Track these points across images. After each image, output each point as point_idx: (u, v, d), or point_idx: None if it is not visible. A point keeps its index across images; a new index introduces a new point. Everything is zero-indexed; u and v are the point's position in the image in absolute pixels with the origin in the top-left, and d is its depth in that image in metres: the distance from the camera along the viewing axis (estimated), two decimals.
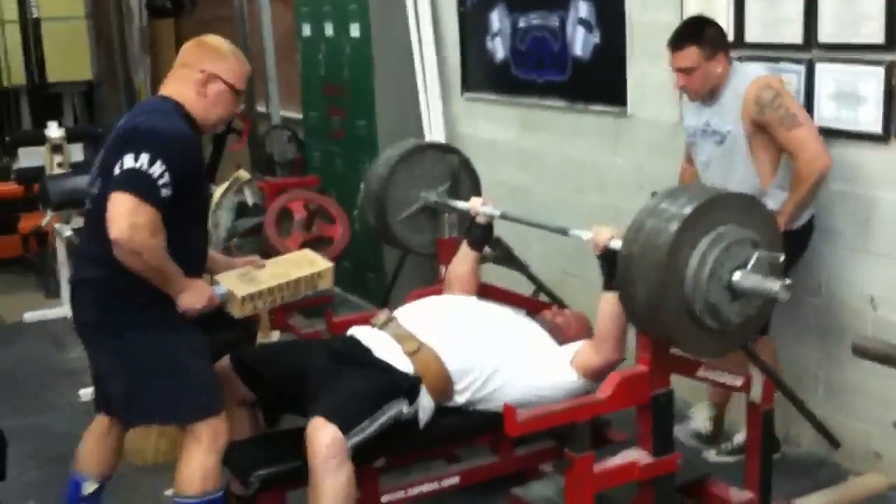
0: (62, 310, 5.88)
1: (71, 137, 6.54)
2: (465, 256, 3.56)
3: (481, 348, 3.08)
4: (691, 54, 3.45)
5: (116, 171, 2.70)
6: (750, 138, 3.44)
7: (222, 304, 3.01)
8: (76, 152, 6.92)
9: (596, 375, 3.01)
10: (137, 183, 2.67)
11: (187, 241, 2.90)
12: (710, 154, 3.57)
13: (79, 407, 4.53)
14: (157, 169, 2.69)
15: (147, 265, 2.72)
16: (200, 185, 2.98)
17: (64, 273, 5.82)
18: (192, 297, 2.86)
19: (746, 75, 3.48)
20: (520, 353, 3.09)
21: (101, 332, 2.89)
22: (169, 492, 3.21)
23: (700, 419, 3.83)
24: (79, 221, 5.57)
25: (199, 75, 2.92)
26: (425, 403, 2.98)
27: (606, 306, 2.97)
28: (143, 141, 2.72)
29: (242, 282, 3.12)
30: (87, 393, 4.55)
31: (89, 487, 3.15)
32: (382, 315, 3.22)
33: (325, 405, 2.80)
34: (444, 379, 3.01)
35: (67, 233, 5.52)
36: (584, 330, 3.29)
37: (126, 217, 2.65)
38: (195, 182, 2.88)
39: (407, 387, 2.93)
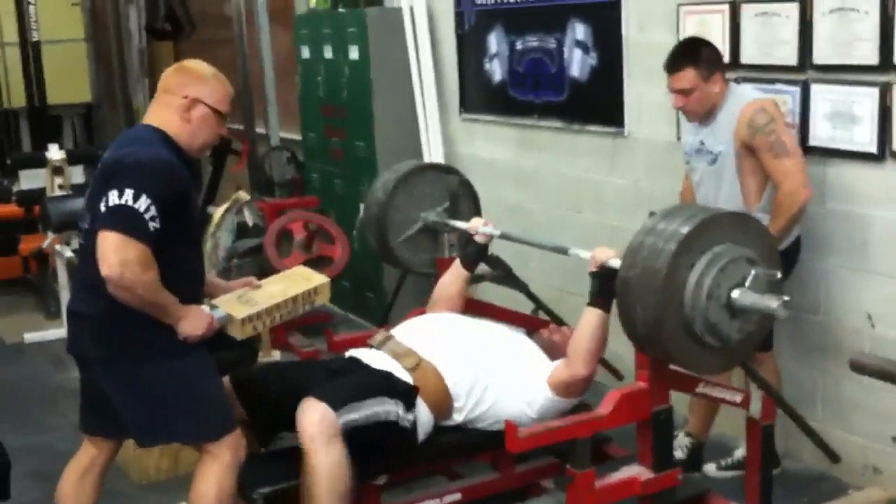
0: (62, 330, 5.84)
1: (71, 159, 6.57)
2: (455, 276, 3.56)
3: (478, 365, 3.08)
4: (688, 75, 3.48)
5: (102, 207, 2.68)
6: (739, 160, 3.47)
7: (222, 327, 3.02)
8: (77, 174, 6.95)
9: (566, 391, 3.01)
10: (123, 219, 2.66)
11: (182, 268, 2.91)
12: (703, 173, 3.60)
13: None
14: (143, 203, 2.67)
15: (142, 300, 2.72)
16: (191, 212, 2.96)
17: (64, 294, 5.83)
18: (192, 324, 2.87)
19: (742, 97, 3.51)
20: (512, 372, 3.09)
21: (107, 366, 2.88)
22: None
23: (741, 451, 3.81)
24: (78, 243, 5.60)
25: (181, 101, 2.90)
26: (424, 418, 2.99)
27: (585, 321, 2.98)
28: (127, 175, 2.70)
29: (240, 304, 3.14)
30: None
31: None
32: (380, 335, 3.24)
33: (320, 388, 2.85)
34: (444, 394, 3.02)
35: (68, 254, 5.55)
36: None
37: (115, 255, 2.64)
38: (185, 209, 2.86)
39: (402, 390, 2.94)
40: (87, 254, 2.81)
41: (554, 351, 3.27)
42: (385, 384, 2.95)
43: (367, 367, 3.09)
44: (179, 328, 2.84)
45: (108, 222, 2.67)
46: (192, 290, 2.97)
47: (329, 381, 2.97)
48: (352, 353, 3.23)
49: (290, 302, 3.22)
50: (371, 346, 3.20)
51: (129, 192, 2.67)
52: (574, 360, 2.99)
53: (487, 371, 3.07)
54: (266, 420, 3.11)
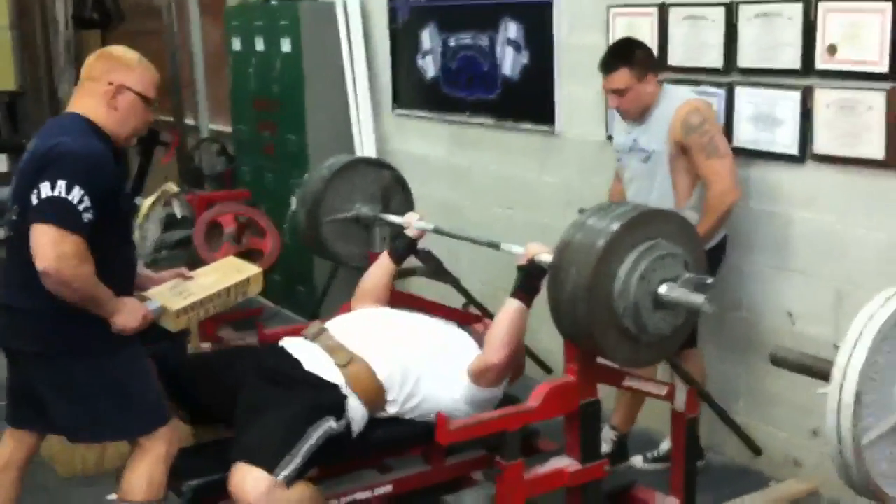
0: None
1: None
2: (383, 268, 3.57)
3: (409, 359, 3.09)
4: (623, 76, 3.54)
5: (34, 200, 2.63)
6: (672, 159, 3.54)
7: (156, 319, 3.00)
8: (1, 164, 6.80)
9: (480, 379, 3.03)
10: (57, 212, 2.62)
11: (115, 260, 2.87)
12: (635, 171, 3.67)
13: (2, 423, 4.43)
14: (76, 194, 2.64)
15: (78, 293, 2.68)
16: (122, 203, 2.91)
17: None
18: (126, 317, 2.83)
19: (677, 97, 3.58)
20: (442, 364, 3.11)
21: (41, 362, 2.84)
22: (112, 496, 3.17)
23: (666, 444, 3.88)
24: (2, 233, 5.49)
25: (107, 87, 2.85)
26: (357, 414, 2.98)
27: (504, 312, 3.01)
28: (58, 166, 2.66)
29: (174, 295, 3.12)
30: None
31: None
32: (314, 326, 3.23)
33: (245, 447, 2.76)
34: (377, 389, 3.03)
35: None
36: None
37: (51, 248, 2.60)
38: (116, 200, 2.82)
39: (329, 405, 2.92)
40: (16, 246, 2.76)
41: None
42: (312, 406, 2.88)
43: (297, 365, 3.04)
44: (114, 321, 2.81)
45: (42, 216, 2.62)
46: (125, 282, 2.94)
47: (255, 414, 2.86)
48: (285, 342, 3.21)
49: (223, 293, 3.22)
50: (305, 337, 3.20)
51: (61, 184, 2.62)
52: (487, 348, 3.02)
53: (418, 364, 3.08)
54: (197, 416, 3.10)
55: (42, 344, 2.81)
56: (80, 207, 2.64)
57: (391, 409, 3.08)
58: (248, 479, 2.68)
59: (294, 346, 3.16)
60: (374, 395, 3.02)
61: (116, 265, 2.88)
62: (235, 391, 2.97)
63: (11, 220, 2.82)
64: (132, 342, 2.88)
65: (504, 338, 3.00)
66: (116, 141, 2.91)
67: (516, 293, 3.02)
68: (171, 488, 2.94)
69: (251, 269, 3.35)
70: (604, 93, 3.72)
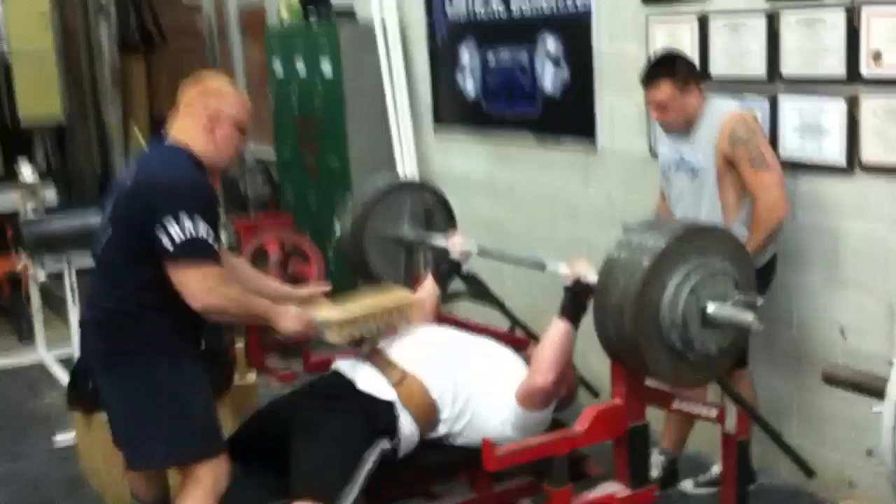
0: (36, 355, 5.84)
1: (43, 178, 6.50)
2: (428, 292, 3.55)
3: (462, 377, 3.07)
4: (665, 88, 3.47)
5: (167, 244, 2.73)
6: (720, 174, 3.46)
7: (320, 330, 3.12)
8: (49, 193, 6.87)
9: (526, 401, 2.97)
10: (193, 251, 2.76)
11: None
12: (683, 187, 3.59)
13: (54, 453, 4.51)
14: (202, 227, 2.77)
15: (238, 316, 2.93)
16: (218, 231, 3.02)
17: (38, 318, 5.78)
18: (291, 321, 3.02)
19: (722, 109, 3.50)
20: (491, 387, 3.07)
21: (102, 367, 2.93)
22: None
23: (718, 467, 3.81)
24: (52, 266, 5.55)
25: (203, 118, 2.93)
26: (407, 431, 2.97)
27: (551, 332, 2.96)
28: (177, 202, 2.76)
29: (334, 310, 3.20)
30: (63, 439, 4.54)
31: None
32: (367, 347, 3.21)
33: (305, 479, 2.77)
34: (430, 406, 3.01)
35: (42, 277, 5.49)
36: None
37: (199, 288, 2.78)
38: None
39: (382, 425, 2.93)
40: (103, 264, 2.94)
41: None
42: (368, 428, 2.89)
43: (350, 385, 3.04)
44: (280, 327, 3.00)
45: (181, 258, 2.76)
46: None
47: (311, 441, 2.86)
48: (337, 364, 3.21)
49: (385, 313, 3.24)
50: (358, 357, 3.18)
51: (186, 222, 2.74)
52: (534, 370, 2.98)
53: (469, 383, 3.06)
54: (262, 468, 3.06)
55: (101, 349, 2.92)
56: (210, 239, 2.80)
57: (442, 429, 3.05)
58: None
59: (347, 366, 3.16)
60: (427, 411, 3.01)
61: None
62: (289, 434, 2.93)
63: (102, 241, 2.93)
64: (193, 362, 2.93)
65: (551, 359, 2.95)
66: (212, 170, 3.00)
67: (563, 313, 2.98)
68: None
69: (412, 296, 3.37)
70: (646, 106, 3.66)
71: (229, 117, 2.96)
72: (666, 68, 3.51)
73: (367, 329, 3.19)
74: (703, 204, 3.51)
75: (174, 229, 2.74)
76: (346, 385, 3.07)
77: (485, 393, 3.06)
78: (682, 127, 3.54)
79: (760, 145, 3.40)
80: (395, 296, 3.35)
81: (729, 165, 3.44)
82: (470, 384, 3.06)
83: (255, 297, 2.97)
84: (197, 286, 2.78)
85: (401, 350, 3.17)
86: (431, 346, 3.21)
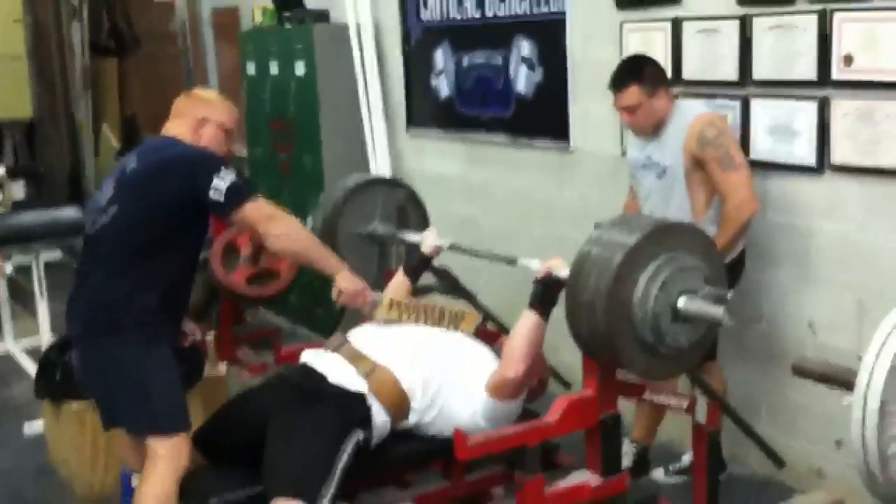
0: (3, 345, 5.80)
1: (12, 175, 6.46)
2: (399, 285, 3.56)
3: (431, 366, 3.08)
4: (633, 93, 3.53)
5: (216, 196, 2.92)
6: (687, 173, 3.52)
7: (371, 306, 3.27)
8: (17, 190, 6.84)
9: (496, 392, 2.99)
10: (241, 193, 2.96)
11: (181, 266, 3.12)
12: (650, 187, 3.65)
13: (24, 442, 4.48)
14: (233, 173, 2.97)
15: (303, 247, 3.13)
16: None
17: (5, 310, 5.74)
18: (349, 282, 3.21)
19: (690, 111, 3.56)
20: (463, 375, 3.08)
21: (81, 341, 3.07)
22: None
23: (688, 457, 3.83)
24: (19, 259, 5.52)
25: (192, 121, 3.16)
26: (379, 421, 2.98)
27: (520, 324, 2.99)
28: (209, 164, 2.98)
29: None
30: (31, 426, 4.51)
31: (136, 480, 3.18)
32: (336, 338, 3.22)
33: (283, 479, 2.77)
34: (400, 396, 3.02)
35: (8, 270, 5.45)
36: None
37: (263, 217, 2.99)
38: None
39: (356, 416, 2.93)
40: (95, 243, 3.07)
41: None
42: (342, 421, 2.90)
43: (322, 379, 3.04)
44: (338, 280, 3.20)
45: (236, 203, 2.95)
46: (181, 292, 3.15)
47: (286, 440, 2.85)
48: (307, 356, 3.21)
49: (436, 310, 3.31)
50: (327, 349, 3.18)
51: (225, 174, 2.94)
52: (504, 361, 2.99)
53: (440, 373, 3.07)
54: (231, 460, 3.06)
55: (82, 324, 3.05)
56: (242, 180, 3.00)
57: (412, 419, 3.06)
58: None
59: (316, 359, 3.16)
60: (398, 402, 3.02)
61: (180, 270, 3.12)
62: (259, 428, 2.94)
63: (103, 220, 3.04)
64: (164, 348, 3.01)
65: (521, 351, 2.97)
66: None
67: (533, 306, 3.00)
68: None
69: (470, 313, 3.41)
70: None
71: (216, 122, 3.19)
72: (634, 73, 3.55)
73: (416, 316, 3.28)
74: (671, 203, 3.56)
75: (219, 185, 2.92)
76: (318, 377, 3.07)
77: (455, 383, 3.06)
78: (651, 130, 3.59)
79: (729, 146, 3.45)
80: (456, 308, 3.41)
81: (697, 165, 3.49)
82: (440, 374, 3.07)
83: (316, 238, 3.24)
84: (256, 214, 2.98)
85: (370, 342, 3.17)
86: (400, 338, 3.21)
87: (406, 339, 3.21)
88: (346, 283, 3.23)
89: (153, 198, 3.00)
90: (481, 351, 3.25)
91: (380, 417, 2.99)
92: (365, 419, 2.95)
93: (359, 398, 2.98)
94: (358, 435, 2.90)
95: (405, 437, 3.09)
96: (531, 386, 3.17)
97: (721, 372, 3.67)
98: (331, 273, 3.23)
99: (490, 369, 3.11)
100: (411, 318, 3.28)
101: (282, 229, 3.04)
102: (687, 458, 3.72)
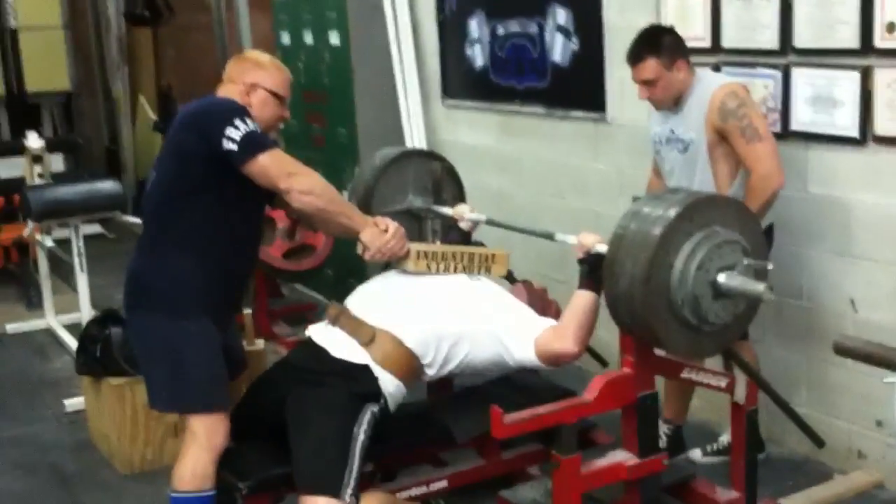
0: (44, 321, 5.86)
1: (51, 148, 6.50)
2: None
3: (440, 317, 3.06)
4: (650, 65, 3.44)
5: (232, 146, 2.80)
6: (711, 147, 3.43)
7: (397, 259, 3.15)
8: (56, 163, 6.88)
9: (550, 360, 2.97)
10: (256, 142, 2.83)
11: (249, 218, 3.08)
12: (674, 162, 3.57)
13: (63, 418, 4.54)
14: (253, 125, 2.85)
15: (323, 202, 2.95)
16: None
17: (46, 284, 5.80)
18: (373, 235, 3.07)
19: (711, 83, 3.47)
20: (486, 316, 3.06)
21: (128, 315, 3.05)
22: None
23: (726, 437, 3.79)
24: (60, 232, 5.56)
25: (241, 87, 3.03)
26: (391, 388, 2.97)
27: (577, 302, 2.97)
28: (225, 114, 2.85)
29: (415, 244, 3.23)
30: (71, 403, 4.56)
31: None
32: (334, 308, 3.17)
33: (304, 475, 2.79)
34: (407, 357, 3.00)
35: (49, 244, 5.51)
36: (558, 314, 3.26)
37: (278, 167, 2.84)
38: None
39: (365, 391, 2.92)
40: (147, 219, 3.03)
41: (536, 304, 3.25)
42: (351, 400, 2.89)
43: (324, 354, 3.02)
44: (363, 237, 3.06)
45: (249, 152, 2.82)
46: (229, 271, 3.05)
47: (302, 435, 2.87)
48: (310, 331, 3.18)
49: (465, 255, 3.26)
50: (327, 323, 3.14)
51: (240, 124, 2.82)
52: (567, 335, 2.94)
53: (455, 320, 3.05)
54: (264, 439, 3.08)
55: (128, 294, 3.01)
56: (260, 131, 2.89)
57: (430, 373, 3.05)
58: None
59: (319, 333, 3.14)
60: (406, 364, 3.00)
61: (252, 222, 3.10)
62: (278, 413, 2.95)
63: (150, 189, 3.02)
64: (207, 323, 2.95)
65: (581, 324, 2.94)
66: None
67: (585, 284, 2.98)
68: (228, 485, 2.95)
69: (499, 251, 3.37)
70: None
71: (267, 88, 3.05)
72: (651, 45, 3.46)
73: (445, 265, 3.22)
74: (695, 177, 3.49)
75: (232, 133, 2.81)
76: (321, 354, 3.04)
77: (475, 332, 3.03)
78: (671, 103, 3.52)
79: (752, 116, 3.36)
80: (482, 248, 3.38)
81: (720, 138, 3.41)
82: (453, 326, 3.04)
83: (342, 196, 3.13)
84: (275, 166, 2.84)
85: (368, 306, 3.13)
86: (400, 295, 3.17)
87: (406, 295, 3.17)
88: (368, 236, 3.08)
89: (177, 155, 2.94)
90: (497, 291, 3.21)
91: (391, 385, 2.97)
92: (374, 391, 2.94)
93: (364, 369, 2.96)
94: (371, 409, 2.89)
95: (439, 418, 3.09)
96: None
97: (753, 351, 3.60)
98: (356, 230, 3.08)
99: (513, 307, 3.10)
100: (440, 266, 3.21)
101: (305, 185, 2.90)
102: (725, 439, 3.69)
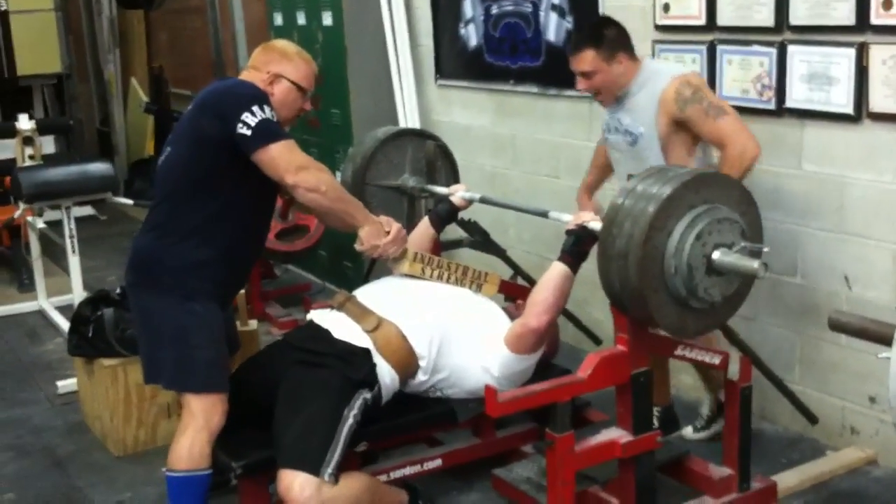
0: (36, 303, 5.84)
1: (42, 129, 6.45)
2: (422, 235, 3.51)
3: (439, 322, 3.06)
4: (588, 57, 3.38)
5: (245, 131, 2.79)
6: (665, 137, 3.37)
7: (393, 259, 3.19)
8: (48, 145, 6.83)
9: (517, 343, 2.98)
10: (270, 131, 2.82)
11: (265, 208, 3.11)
12: (623, 152, 3.51)
13: (56, 399, 4.52)
14: (270, 112, 2.84)
15: (328, 198, 2.93)
16: None
17: (38, 266, 5.77)
18: (372, 232, 3.09)
19: (663, 75, 3.39)
20: (473, 331, 3.07)
21: (132, 293, 3.03)
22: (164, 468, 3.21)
23: (704, 408, 3.79)
24: (52, 214, 5.53)
25: (265, 76, 3.02)
26: (386, 380, 2.97)
27: (549, 274, 2.96)
28: (243, 100, 2.84)
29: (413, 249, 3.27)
30: (64, 385, 4.55)
31: None
32: (341, 296, 3.18)
33: (287, 451, 2.77)
34: (408, 351, 3.00)
35: (40, 225, 5.48)
36: None
37: (287, 159, 2.83)
38: None
39: (361, 376, 2.92)
40: (159, 196, 2.99)
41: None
42: (346, 383, 2.89)
43: (327, 335, 3.03)
44: (362, 232, 3.07)
45: (261, 140, 2.81)
46: (237, 256, 3.04)
47: (291, 410, 2.86)
48: (313, 314, 3.20)
49: (460, 268, 3.28)
50: (332, 308, 3.16)
51: (257, 110, 2.80)
52: (529, 311, 2.97)
53: (447, 328, 3.05)
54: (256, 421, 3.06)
55: (134, 274, 3.00)
56: (276, 119, 2.88)
57: (422, 377, 3.05)
58: (294, 485, 2.70)
59: (322, 316, 3.14)
60: (404, 358, 3.01)
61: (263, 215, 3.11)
62: (272, 392, 2.95)
63: (161, 167, 3.01)
64: (213, 307, 2.95)
65: (548, 300, 2.95)
66: None
67: (563, 257, 2.96)
68: (221, 468, 2.94)
69: (494, 274, 3.37)
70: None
71: (291, 79, 3.03)
72: (591, 37, 3.40)
73: (439, 273, 3.24)
74: (646, 166, 3.42)
75: (248, 119, 2.80)
76: (323, 335, 3.04)
77: (465, 339, 3.05)
78: (611, 97, 3.46)
79: (710, 97, 3.32)
80: (479, 269, 3.36)
81: (678, 127, 3.35)
82: (449, 329, 3.05)
83: (347, 193, 3.11)
84: (284, 159, 2.82)
85: (376, 297, 3.14)
86: (408, 293, 3.18)
87: (413, 294, 3.18)
88: (367, 234, 3.09)
89: (192, 135, 2.92)
90: (491, 307, 3.23)
91: (387, 375, 2.97)
92: (370, 377, 2.94)
93: (364, 353, 2.96)
94: (364, 395, 2.89)
95: (434, 398, 3.08)
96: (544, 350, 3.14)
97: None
98: (354, 223, 3.09)
99: (501, 325, 3.09)
100: (434, 274, 3.23)
101: (312, 182, 2.88)
102: (704, 410, 3.72)
